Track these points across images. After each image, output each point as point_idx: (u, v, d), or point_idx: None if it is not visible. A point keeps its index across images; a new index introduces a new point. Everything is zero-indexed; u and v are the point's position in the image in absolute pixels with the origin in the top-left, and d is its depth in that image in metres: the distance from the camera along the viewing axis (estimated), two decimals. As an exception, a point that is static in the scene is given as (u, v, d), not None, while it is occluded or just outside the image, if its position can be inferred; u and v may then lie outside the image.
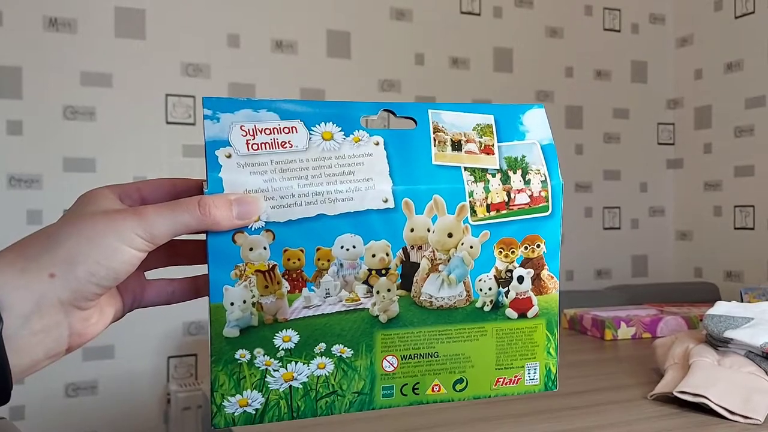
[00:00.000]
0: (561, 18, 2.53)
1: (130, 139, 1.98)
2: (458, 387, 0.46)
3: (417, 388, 0.45)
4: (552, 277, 0.47)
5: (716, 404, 0.73)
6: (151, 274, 0.46)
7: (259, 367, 0.42)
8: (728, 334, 0.82)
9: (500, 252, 0.46)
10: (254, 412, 0.42)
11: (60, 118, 1.91)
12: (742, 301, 1.16)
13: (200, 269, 0.43)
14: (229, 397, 0.41)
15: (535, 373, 0.47)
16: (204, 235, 0.41)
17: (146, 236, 0.37)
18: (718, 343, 0.84)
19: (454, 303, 0.45)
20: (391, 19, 2.29)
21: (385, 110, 0.45)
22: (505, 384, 0.47)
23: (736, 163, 2.44)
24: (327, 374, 0.43)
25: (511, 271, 0.46)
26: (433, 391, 0.45)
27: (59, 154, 1.91)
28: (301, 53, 2.17)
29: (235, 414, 0.41)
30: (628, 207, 2.64)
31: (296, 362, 0.42)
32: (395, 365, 0.45)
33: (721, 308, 0.89)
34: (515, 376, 0.47)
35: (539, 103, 0.47)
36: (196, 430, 1.91)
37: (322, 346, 0.43)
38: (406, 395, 0.45)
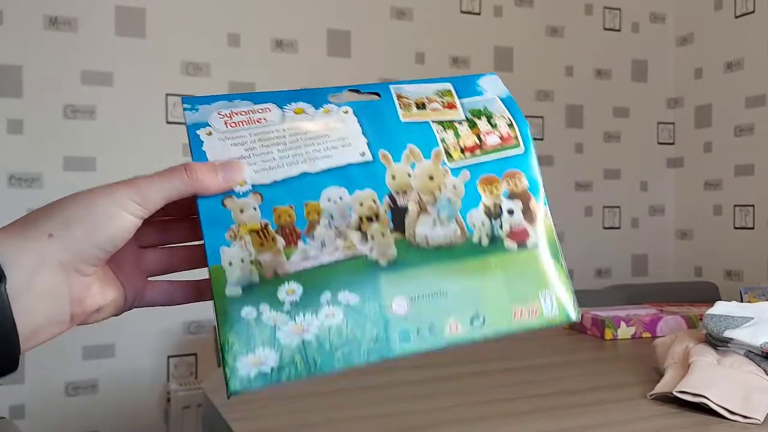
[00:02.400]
0: (561, 17, 2.53)
1: (130, 139, 1.98)
2: (476, 323, 0.44)
3: (433, 330, 0.43)
4: (541, 207, 0.48)
5: (716, 404, 0.73)
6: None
7: (267, 324, 0.41)
8: (728, 333, 0.82)
9: (484, 189, 0.47)
10: (270, 371, 0.40)
11: (60, 117, 1.91)
12: (742, 301, 1.17)
13: (202, 273, 0.44)
14: (241, 358, 0.40)
15: (552, 302, 0.46)
16: (202, 241, 0.42)
17: (140, 201, 0.39)
18: (717, 342, 0.84)
19: (451, 240, 0.45)
20: (392, 18, 2.29)
21: (350, 90, 0.47)
22: (525, 316, 0.46)
23: (736, 163, 2.44)
24: (338, 323, 0.42)
25: (498, 205, 0.47)
26: (451, 331, 0.44)
27: (59, 153, 1.92)
28: (302, 52, 2.17)
29: (251, 375, 0.40)
30: (628, 206, 2.64)
31: (304, 314, 0.42)
32: (406, 307, 0.43)
33: (721, 308, 0.89)
34: (533, 307, 0.46)
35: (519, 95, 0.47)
36: (196, 429, 1.91)
37: (327, 294, 0.42)
38: (424, 338, 0.43)
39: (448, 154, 0.47)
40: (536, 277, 0.46)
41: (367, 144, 0.45)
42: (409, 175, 0.45)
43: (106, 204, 0.38)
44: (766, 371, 0.78)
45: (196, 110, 0.45)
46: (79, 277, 0.38)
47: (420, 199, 0.45)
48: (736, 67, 2.43)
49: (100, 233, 0.37)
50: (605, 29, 2.60)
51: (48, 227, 0.37)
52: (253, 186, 0.43)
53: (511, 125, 0.48)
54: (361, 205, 0.44)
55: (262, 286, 0.42)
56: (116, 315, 0.43)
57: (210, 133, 0.44)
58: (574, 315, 0.46)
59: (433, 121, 0.47)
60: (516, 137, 0.48)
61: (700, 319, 1.24)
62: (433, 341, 0.43)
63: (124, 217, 0.38)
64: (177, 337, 2.05)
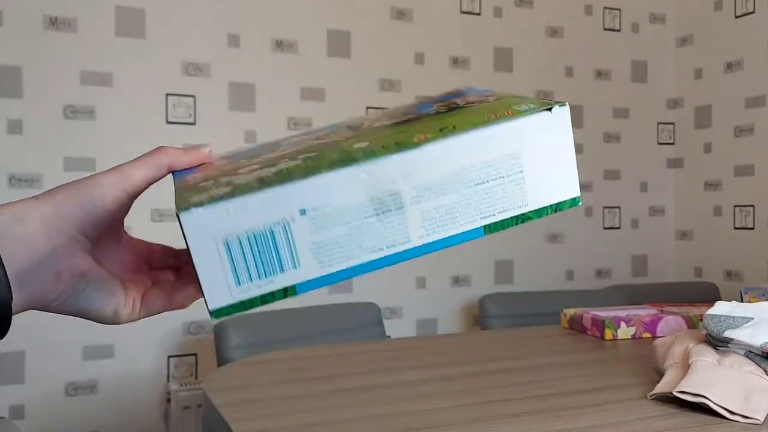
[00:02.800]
0: (561, 18, 2.53)
1: (130, 139, 1.98)
2: (446, 131, 0.41)
3: (400, 143, 0.40)
4: (491, 92, 0.48)
5: (716, 404, 0.73)
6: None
7: (223, 182, 0.40)
8: (728, 333, 0.82)
9: (434, 103, 0.49)
10: (222, 195, 0.38)
11: (60, 118, 1.91)
12: (742, 301, 1.17)
13: None
14: (194, 196, 0.39)
15: (527, 105, 0.42)
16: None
17: (123, 177, 0.43)
18: (718, 342, 0.84)
19: (406, 118, 0.45)
20: (392, 18, 2.29)
21: None
22: (500, 116, 0.41)
23: (736, 163, 2.44)
24: (296, 163, 0.41)
25: (454, 102, 0.47)
26: (419, 139, 0.40)
27: (59, 154, 1.91)
28: (302, 53, 2.17)
29: (203, 200, 0.38)
30: (628, 206, 2.64)
31: (261, 168, 0.41)
32: (365, 144, 0.42)
33: (721, 308, 0.89)
34: (507, 112, 0.42)
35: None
36: (196, 430, 1.91)
37: (284, 153, 0.44)
38: (389, 149, 0.40)
39: None
40: (505, 104, 0.44)
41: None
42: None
43: (89, 180, 0.42)
44: (766, 371, 0.78)
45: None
46: (62, 235, 0.40)
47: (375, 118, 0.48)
48: (736, 68, 2.43)
49: (82, 195, 0.41)
50: (605, 29, 2.60)
51: (34, 196, 0.41)
52: (221, 157, 0.47)
53: None
54: (320, 131, 0.49)
55: (221, 177, 0.42)
56: (112, 308, 0.43)
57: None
58: (557, 105, 0.42)
59: None
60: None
61: (701, 320, 1.24)
62: (400, 149, 0.40)
63: (107, 190, 0.42)
64: (177, 337, 2.05)
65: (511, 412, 0.77)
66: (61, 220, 0.40)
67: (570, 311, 1.36)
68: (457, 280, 2.38)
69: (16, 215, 0.39)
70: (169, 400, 1.98)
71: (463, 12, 2.38)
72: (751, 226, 2.37)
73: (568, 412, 0.77)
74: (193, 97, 2.05)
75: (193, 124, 2.05)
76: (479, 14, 2.40)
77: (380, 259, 0.40)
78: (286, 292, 0.40)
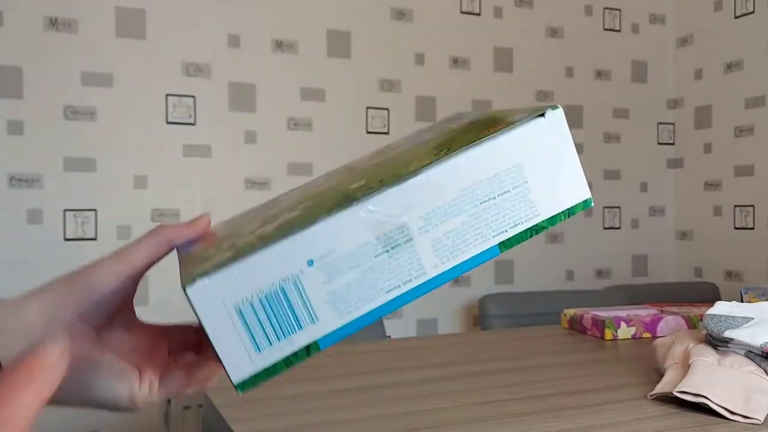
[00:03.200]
0: (561, 18, 2.53)
1: (130, 139, 1.98)
2: (441, 153, 0.40)
3: (398, 174, 0.39)
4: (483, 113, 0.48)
5: (716, 404, 0.73)
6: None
7: (226, 247, 0.41)
8: (728, 333, 0.82)
9: None
10: (226, 260, 0.37)
11: (61, 118, 1.91)
12: (742, 301, 1.17)
13: None
14: (197, 267, 0.38)
15: (520, 116, 0.41)
16: None
17: (122, 261, 0.42)
18: (718, 342, 0.84)
19: (401, 150, 0.45)
20: (392, 19, 2.29)
21: None
22: (494, 131, 0.40)
23: (736, 163, 2.44)
24: (296, 214, 0.40)
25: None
26: (413, 165, 0.40)
27: (60, 154, 1.91)
28: (302, 53, 2.17)
29: (207, 268, 0.37)
30: (629, 207, 2.64)
31: (262, 226, 0.42)
32: (364, 182, 0.41)
33: (721, 308, 0.89)
34: (500, 125, 0.41)
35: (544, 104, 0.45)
36: (196, 430, 1.91)
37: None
38: (387, 182, 0.39)
39: None
40: (497, 117, 0.43)
41: None
42: None
43: (92, 265, 0.41)
44: (766, 371, 0.78)
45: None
46: (61, 324, 0.40)
47: None
48: (736, 68, 2.43)
49: (82, 282, 0.40)
50: (605, 30, 2.60)
51: (35, 288, 0.40)
52: (225, 222, 0.48)
53: None
54: (319, 179, 0.48)
55: (223, 242, 0.42)
56: (126, 393, 0.41)
57: None
58: (549, 109, 0.41)
59: None
60: None
61: (701, 320, 1.24)
62: (399, 181, 0.39)
63: (107, 275, 0.41)
64: (177, 337, 2.04)
65: (511, 412, 0.77)
66: (60, 309, 0.40)
67: (570, 311, 1.36)
68: (457, 280, 2.38)
69: (14, 309, 0.39)
70: (169, 400, 1.98)
71: (463, 12, 2.38)
72: (751, 226, 2.37)
73: (569, 412, 0.77)
74: (193, 97, 2.05)
75: (193, 124, 2.05)
76: (479, 14, 2.40)
77: (398, 297, 0.39)
78: (309, 350, 0.38)
